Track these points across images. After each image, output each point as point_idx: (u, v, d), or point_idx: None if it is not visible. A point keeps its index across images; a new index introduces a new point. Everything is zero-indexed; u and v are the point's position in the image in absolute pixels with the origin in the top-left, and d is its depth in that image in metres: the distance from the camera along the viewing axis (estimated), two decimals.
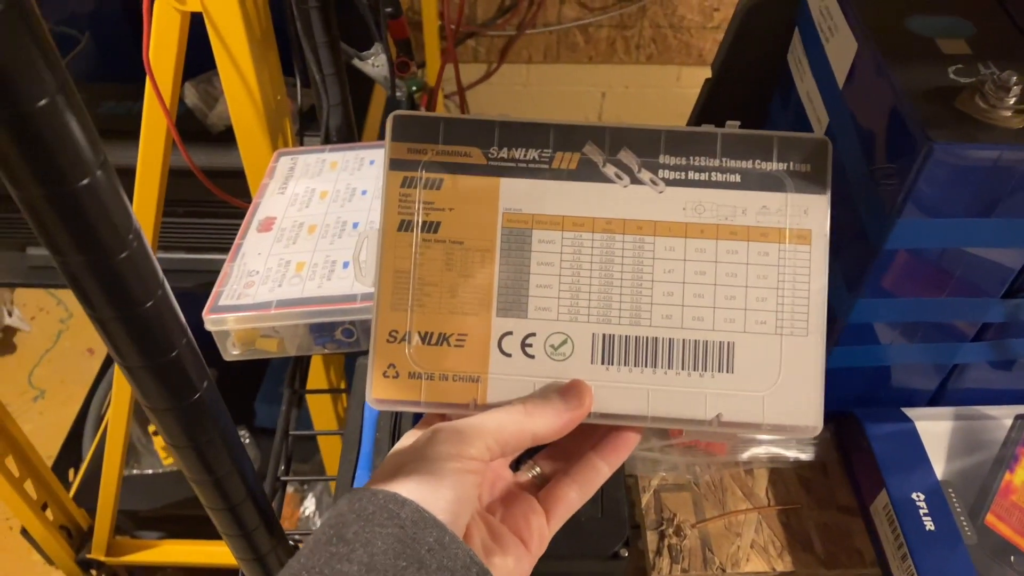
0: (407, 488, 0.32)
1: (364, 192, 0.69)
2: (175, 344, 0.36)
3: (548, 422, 0.36)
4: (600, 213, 0.38)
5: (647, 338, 0.37)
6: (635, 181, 0.39)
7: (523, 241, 0.38)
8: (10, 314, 1.65)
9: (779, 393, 0.38)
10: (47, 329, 1.71)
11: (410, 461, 0.33)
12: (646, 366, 0.37)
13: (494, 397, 0.38)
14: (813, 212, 0.39)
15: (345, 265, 0.60)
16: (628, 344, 0.38)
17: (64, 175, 0.28)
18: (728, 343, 0.38)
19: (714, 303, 0.38)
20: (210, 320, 0.57)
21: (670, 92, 2.06)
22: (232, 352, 0.58)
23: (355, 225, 0.66)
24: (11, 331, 1.68)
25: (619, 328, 0.38)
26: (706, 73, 0.72)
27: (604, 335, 0.38)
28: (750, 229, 0.38)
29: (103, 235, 0.30)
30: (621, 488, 0.56)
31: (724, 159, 0.39)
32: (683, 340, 0.37)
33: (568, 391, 0.37)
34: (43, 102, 0.26)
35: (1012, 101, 0.44)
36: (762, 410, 0.37)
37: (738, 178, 0.39)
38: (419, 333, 0.38)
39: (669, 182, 0.39)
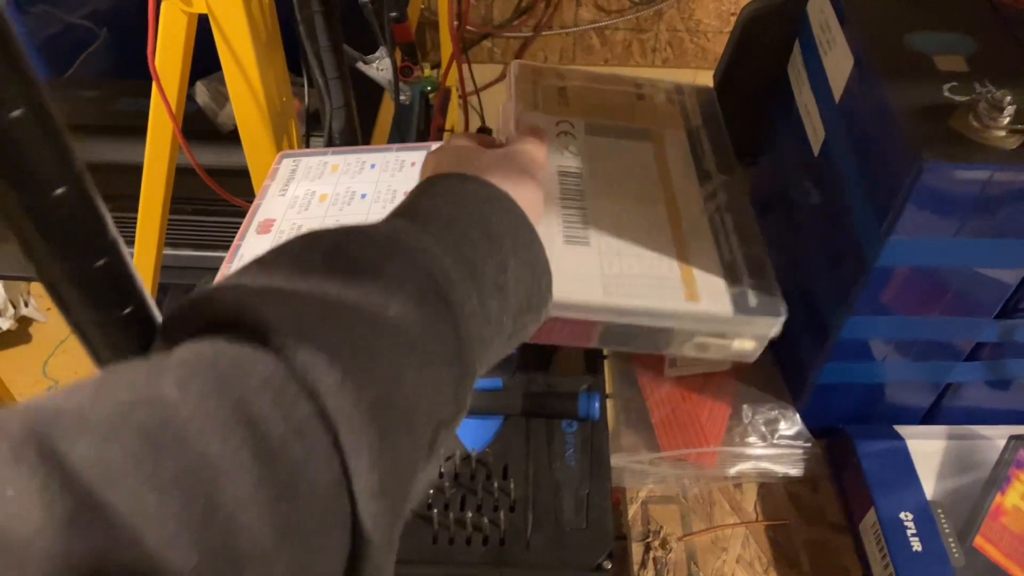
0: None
1: (364, 196, 0.70)
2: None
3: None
4: None
5: None
6: None
7: None
8: (26, 304, 1.67)
9: None
10: (62, 320, 1.73)
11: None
12: None
13: None
14: None
15: None
16: None
17: (40, 185, 0.29)
18: None
19: None
20: None
21: None
22: None
23: (363, 195, 0.67)
24: (27, 321, 1.71)
25: None
26: None
27: None
28: None
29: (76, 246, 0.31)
30: (607, 499, 0.56)
31: None
32: None
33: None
34: (16, 114, 0.27)
35: (1006, 121, 0.44)
36: None
37: None
38: None
39: None
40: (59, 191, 0.29)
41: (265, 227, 0.68)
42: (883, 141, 0.47)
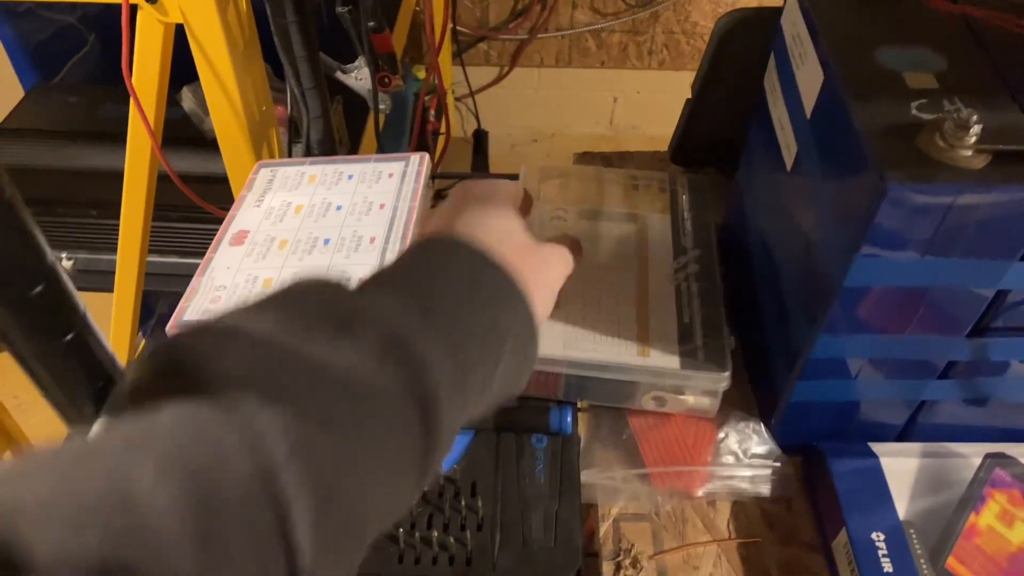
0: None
1: (339, 208, 0.69)
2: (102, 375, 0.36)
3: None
4: None
5: None
6: None
7: None
8: None
9: None
10: None
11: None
12: None
13: None
14: None
15: None
16: None
17: None
18: None
19: None
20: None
21: (683, 98, 2.03)
22: None
23: (326, 241, 0.66)
24: None
25: None
26: None
27: None
28: None
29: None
30: (576, 517, 0.56)
31: None
32: None
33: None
34: None
35: (972, 140, 0.43)
36: None
37: None
38: None
39: None
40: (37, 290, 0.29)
41: (238, 239, 0.67)
42: (849, 160, 0.47)
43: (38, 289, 0.32)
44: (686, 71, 1.99)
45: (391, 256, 0.58)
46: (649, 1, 1.86)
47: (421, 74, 1.50)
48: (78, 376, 0.35)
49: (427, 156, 0.73)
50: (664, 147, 0.83)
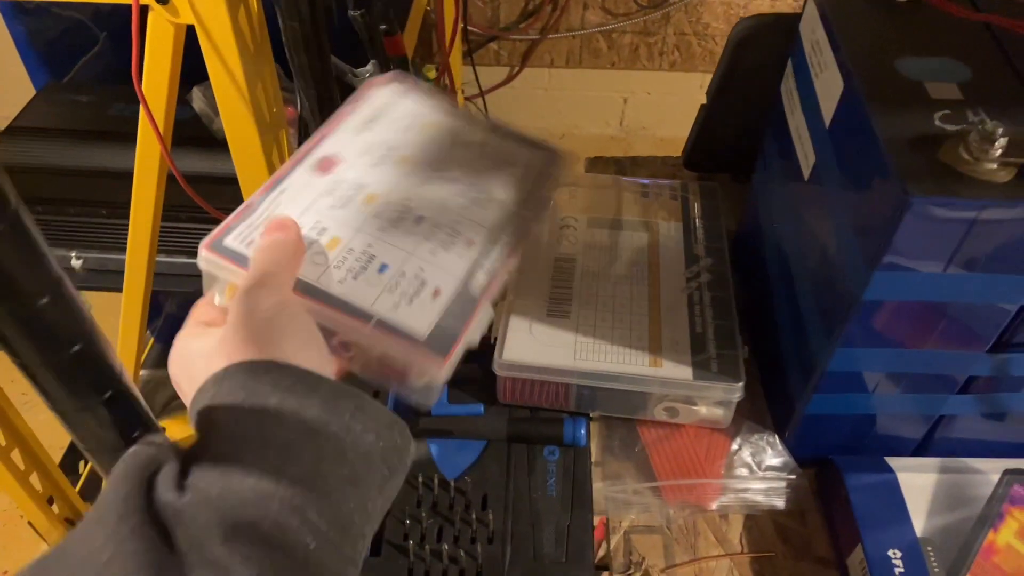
0: (288, 352, 0.32)
1: (453, 180, 0.45)
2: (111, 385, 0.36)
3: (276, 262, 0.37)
4: None
5: None
6: None
7: None
8: None
9: None
10: None
11: (259, 327, 0.33)
12: None
13: None
14: None
15: (382, 269, 0.41)
16: None
17: None
18: None
19: None
20: (204, 257, 0.41)
21: (693, 99, 2.01)
22: (215, 299, 0.43)
23: (419, 219, 0.43)
24: None
25: None
26: None
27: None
28: None
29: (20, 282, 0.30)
30: (588, 531, 0.55)
31: None
32: None
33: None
34: None
35: (997, 153, 0.42)
36: None
37: None
38: None
39: None
40: (43, 301, 0.28)
41: (325, 165, 0.46)
42: (871, 171, 0.46)
43: (44, 301, 0.32)
44: (697, 73, 1.98)
45: (482, 279, 0.41)
46: (661, 2, 1.85)
47: (431, 74, 1.49)
48: (83, 387, 0.35)
49: (567, 156, 0.49)
50: (675, 150, 0.82)
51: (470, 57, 1.90)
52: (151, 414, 0.39)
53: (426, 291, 0.36)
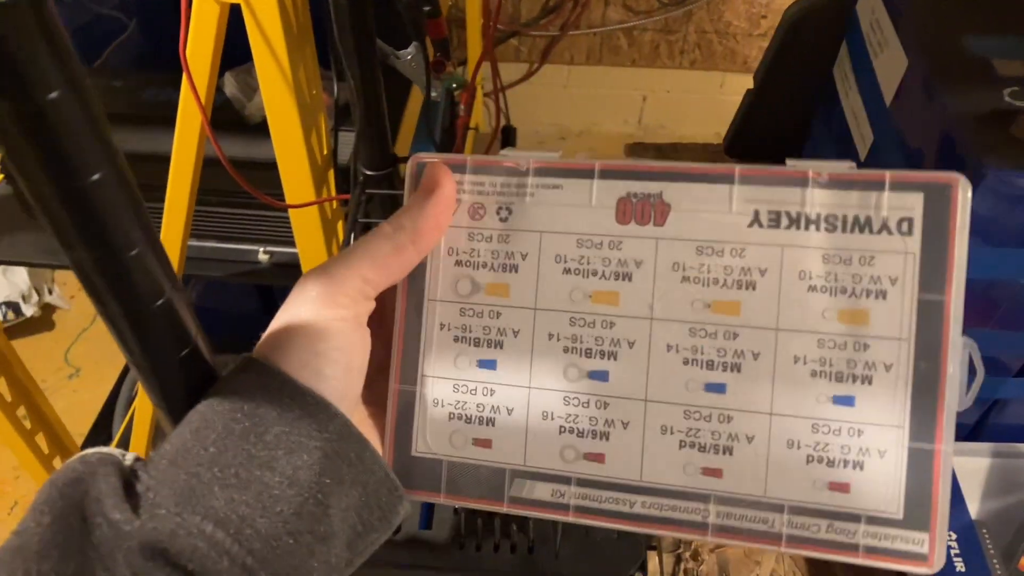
0: (293, 365, 0.29)
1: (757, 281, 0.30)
2: (187, 343, 0.35)
3: (416, 218, 0.30)
4: None
5: None
6: None
7: None
8: (50, 292, 1.68)
9: None
10: (85, 309, 1.74)
11: (294, 330, 0.30)
12: None
13: None
14: None
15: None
16: None
17: (74, 171, 0.28)
18: None
19: None
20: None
21: (713, 99, 2.02)
22: None
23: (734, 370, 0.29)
24: (50, 309, 1.72)
25: None
26: (751, 81, 0.70)
27: None
28: None
29: (112, 233, 0.30)
30: None
31: None
32: None
33: (424, 182, 0.31)
34: (53, 96, 0.26)
35: None
36: None
37: None
38: None
39: None
40: (94, 177, 0.28)
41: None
42: (940, 146, 0.46)
43: (134, 252, 0.31)
44: (717, 72, 1.98)
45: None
46: (683, 0, 1.85)
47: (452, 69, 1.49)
48: (162, 343, 0.35)
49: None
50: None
51: (491, 53, 1.90)
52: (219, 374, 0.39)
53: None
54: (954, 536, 0.52)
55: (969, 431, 0.58)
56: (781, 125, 0.66)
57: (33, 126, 0.26)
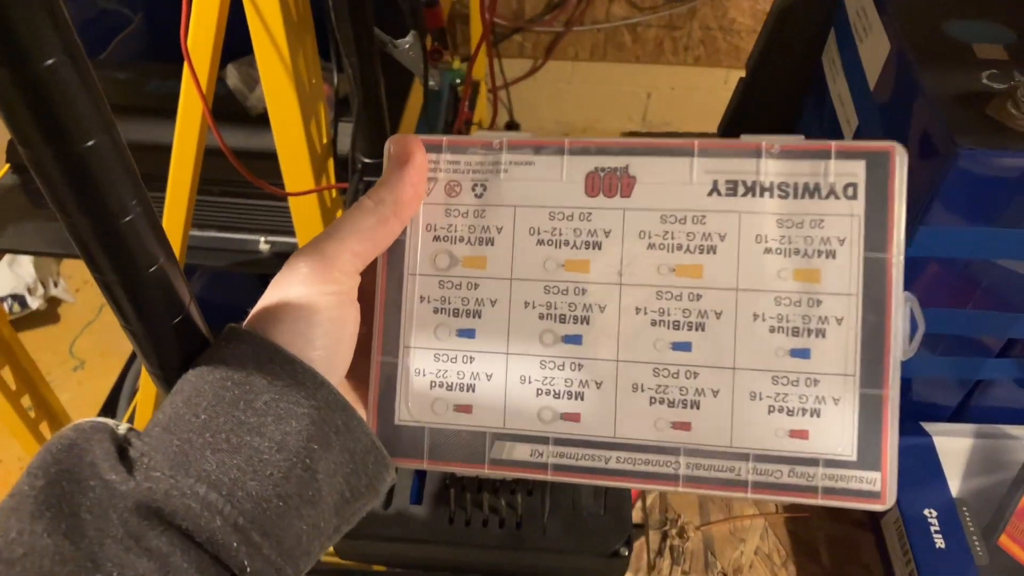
0: (284, 337, 0.30)
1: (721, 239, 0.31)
2: (181, 309, 0.37)
3: (394, 189, 0.32)
4: None
5: None
6: None
7: None
8: (55, 284, 1.69)
9: None
10: (90, 301, 1.76)
11: (285, 304, 0.31)
12: None
13: None
14: None
15: None
16: None
17: (70, 136, 0.29)
18: None
19: None
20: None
21: (717, 95, 2.03)
22: None
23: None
24: (56, 302, 1.73)
25: None
26: None
27: None
28: None
29: (107, 197, 0.31)
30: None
31: None
32: None
33: (396, 153, 0.32)
34: (49, 62, 0.27)
35: None
36: None
37: None
38: None
39: None
40: (89, 143, 0.29)
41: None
42: (917, 127, 0.47)
43: (128, 219, 0.33)
44: (721, 68, 1.99)
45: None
46: None
47: (456, 64, 1.51)
48: (156, 308, 0.36)
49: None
50: None
51: (495, 49, 1.91)
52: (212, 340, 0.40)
53: None
54: (934, 513, 0.53)
55: (952, 412, 0.59)
56: (773, 112, 0.67)
57: (31, 93, 0.27)
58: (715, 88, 2.01)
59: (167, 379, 0.39)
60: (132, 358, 1.54)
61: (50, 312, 1.72)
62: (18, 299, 1.63)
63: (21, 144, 0.29)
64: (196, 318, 0.39)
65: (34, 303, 1.64)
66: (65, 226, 0.32)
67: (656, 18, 1.90)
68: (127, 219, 0.32)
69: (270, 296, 0.32)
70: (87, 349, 1.69)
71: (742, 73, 2.05)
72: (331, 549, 0.57)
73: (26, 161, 0.30)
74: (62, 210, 0.31)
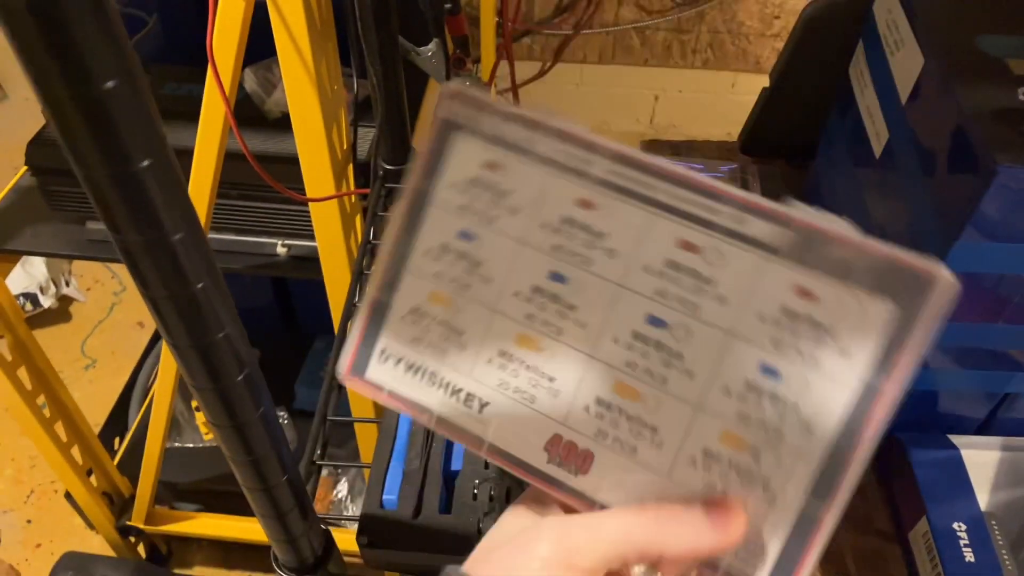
0: None
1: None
2: (223, 326, 0.37)
3: (685, 541, 0.25)
4: None
5: None
6: None
7: None
8: (67, 284, 1.70)
9: None
10: (101, 301, 1.76)
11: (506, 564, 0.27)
12: None
13: None
14: None
15: None
16: None
17: (128, 156, 0.29)
18: None
19: None
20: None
21: (724, 98, 2.03)
22: None
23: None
24: (67, 301, 1.74)
25: None
26: (763, 81, 0.71)
27: None
28: None
29: (161, 216, 0.31)
30: None
31: None
32: None
33: (715, 507, 0.26)
34: (110, 84, 0.27)
35: None
36: None
37: None
38: None
39: None
40: (145, 163, 0.29)
41: None
42: (953, 143, 0.47)
43: (179, 236, 0.33)
44: (729, 71, 1.99)
45: None
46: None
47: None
48: (202, 324, 0.36)
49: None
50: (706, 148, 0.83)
51: (509, 51, 1.91)
52: (254, 357, 0.40)
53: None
54: (964, 527, 0.53)
55: (979, 425, 0.59)
56: (796, 123, 0.67)
57: (91, 112, 0.27)
58: (723, 91, 2.01)
59: (202, 392, 0.39)
60: (143, 357, 1.54)
61: (62, 311, 1.73)
62: (30, 297, 1.63)
63: (77, 163, 0.29)
64: (236, 337, 0.39)
65: (46, 302, 1.65)
66: (115, 242, 0.32)
67: (664, 21, 1.90)
68: (178, 236, 0.32)
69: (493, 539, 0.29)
70: (98, 348, 1.70)
71: (750, 76, 2.05)
72: (359, 558, 0.57)
73: (81, 180, 0.30)
74: (113, 228, 0.32)
